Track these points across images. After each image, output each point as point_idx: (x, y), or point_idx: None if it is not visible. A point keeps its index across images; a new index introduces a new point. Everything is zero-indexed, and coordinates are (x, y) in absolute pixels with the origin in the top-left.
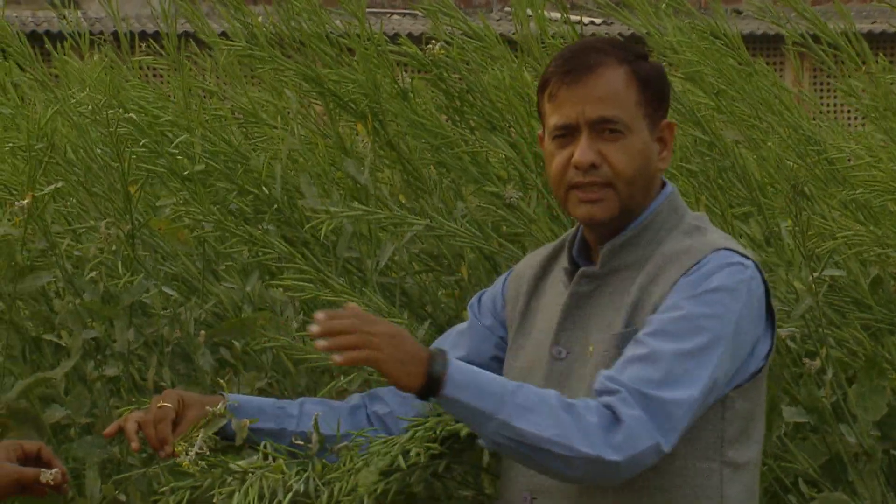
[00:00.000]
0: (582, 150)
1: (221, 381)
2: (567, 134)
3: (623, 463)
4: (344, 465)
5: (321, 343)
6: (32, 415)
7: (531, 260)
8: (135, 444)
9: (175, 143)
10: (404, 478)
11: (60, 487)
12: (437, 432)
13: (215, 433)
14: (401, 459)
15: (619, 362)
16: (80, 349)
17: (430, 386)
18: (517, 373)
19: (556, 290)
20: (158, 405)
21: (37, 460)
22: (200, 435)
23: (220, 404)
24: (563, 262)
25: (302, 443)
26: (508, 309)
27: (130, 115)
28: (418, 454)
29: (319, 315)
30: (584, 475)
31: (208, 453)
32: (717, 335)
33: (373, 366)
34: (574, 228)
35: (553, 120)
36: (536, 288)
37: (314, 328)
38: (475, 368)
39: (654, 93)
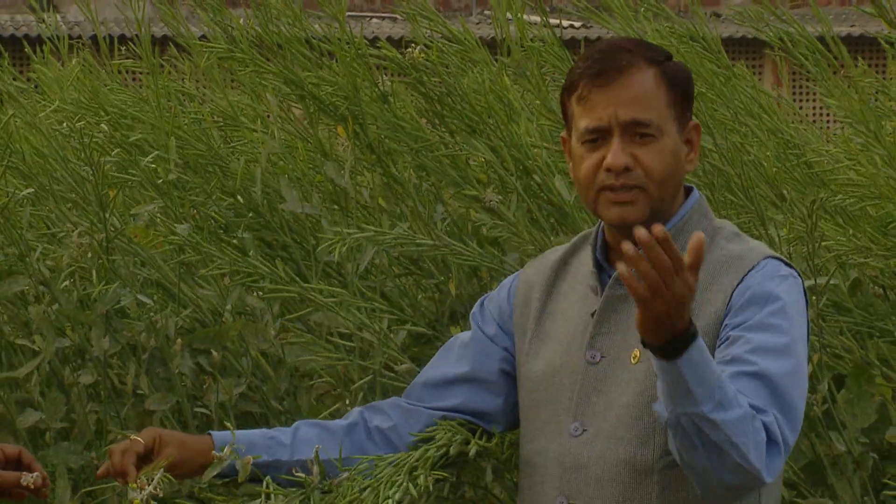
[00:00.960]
0: (615, 154)
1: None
2: (598, 137)
3: (766, 484)
4: (345, 496)
5: (630, 247)
6: (8, 420)
7: (539, 264)
8: (100, 471)
9: (149, 157)
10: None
11: (40, 491)
12: (450, 450)
13: (216, 475)
14: (411, 487)
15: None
16: (53, 354)
17: (666, 347)
18: (539, 377)
19: (579, 293)
20: (131, 438)
21: (17, 464)
22: (158, 475)
23: (227, 447)
24: (584, 264)
25: (302, 475)
26: (517, 315)
27: (103, 125)
28: (426, 478)
29: (658, 229)
30: (734, 483)
31: (161, 494)
32: (804, 353)
33: (637, 302)
34: (593, 230)
35: (583, 123)
36: (550, 292)
37: (643, 232)
38: (707, 351)
39: (683, 93)
